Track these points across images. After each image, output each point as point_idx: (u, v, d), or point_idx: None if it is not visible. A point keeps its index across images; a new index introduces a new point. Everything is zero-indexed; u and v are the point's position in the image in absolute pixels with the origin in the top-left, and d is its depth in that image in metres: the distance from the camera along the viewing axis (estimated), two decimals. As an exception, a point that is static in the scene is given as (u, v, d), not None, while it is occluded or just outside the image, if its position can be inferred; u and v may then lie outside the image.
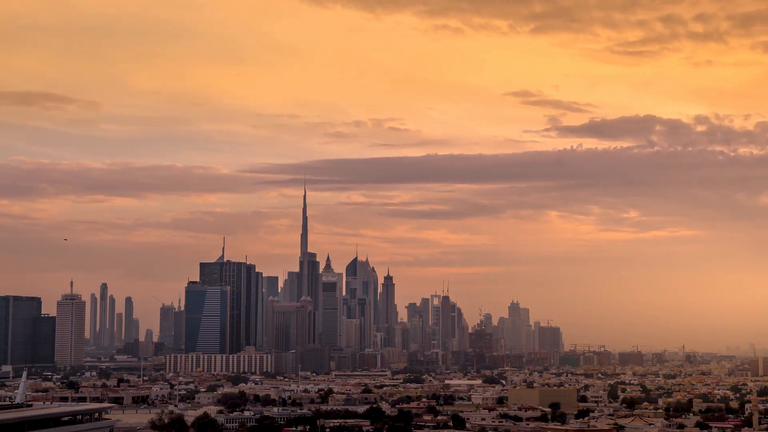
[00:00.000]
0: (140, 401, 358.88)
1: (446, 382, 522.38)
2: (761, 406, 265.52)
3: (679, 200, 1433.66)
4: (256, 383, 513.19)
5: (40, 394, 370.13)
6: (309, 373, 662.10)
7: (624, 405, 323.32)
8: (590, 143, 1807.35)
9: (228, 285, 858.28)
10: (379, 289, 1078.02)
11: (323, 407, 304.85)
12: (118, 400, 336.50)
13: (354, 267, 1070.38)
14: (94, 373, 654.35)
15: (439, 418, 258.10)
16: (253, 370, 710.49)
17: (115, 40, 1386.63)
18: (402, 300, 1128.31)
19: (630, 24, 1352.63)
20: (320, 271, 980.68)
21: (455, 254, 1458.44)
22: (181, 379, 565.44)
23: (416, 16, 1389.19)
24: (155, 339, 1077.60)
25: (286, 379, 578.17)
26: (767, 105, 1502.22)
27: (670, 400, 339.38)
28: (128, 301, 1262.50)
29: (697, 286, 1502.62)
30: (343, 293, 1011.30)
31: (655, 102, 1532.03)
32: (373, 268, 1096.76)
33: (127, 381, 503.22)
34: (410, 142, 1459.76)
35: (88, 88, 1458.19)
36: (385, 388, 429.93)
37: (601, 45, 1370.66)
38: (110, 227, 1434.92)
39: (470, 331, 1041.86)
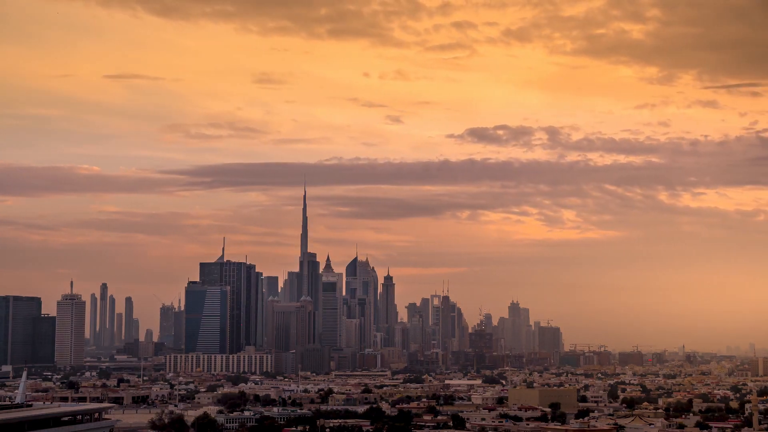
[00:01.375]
0: (140, 401, 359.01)
1: (446, 382, 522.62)
2: (761, 406, 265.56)
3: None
4: (256, 383, 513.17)
5: (40, 394, 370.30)
6: (309, 373, 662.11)
7: (624, 405, 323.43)
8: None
9: (228, 285, 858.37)
10: (379, 289, 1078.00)
11: (323, 407, 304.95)
12: (118, 400, 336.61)
13: (354, 267, 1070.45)
14: (94, 373, 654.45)
15: (439, 418, 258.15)
16: (253, 370, 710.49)
17: None
18: (401, 300, 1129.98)
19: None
20: (320, 271, 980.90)
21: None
22: (181, 379, 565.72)
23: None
24: (155, 339, 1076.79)
25: (286, 379, 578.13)
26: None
27: (670, 400, 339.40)
28: (128, 301, 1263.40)
29: (697, 286, 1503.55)
30: (343, 293, 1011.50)
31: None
32: (373, 268, 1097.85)
33: (127, 381, 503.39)
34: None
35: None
36: (385, 388, 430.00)
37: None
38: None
39: (470, 331, 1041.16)
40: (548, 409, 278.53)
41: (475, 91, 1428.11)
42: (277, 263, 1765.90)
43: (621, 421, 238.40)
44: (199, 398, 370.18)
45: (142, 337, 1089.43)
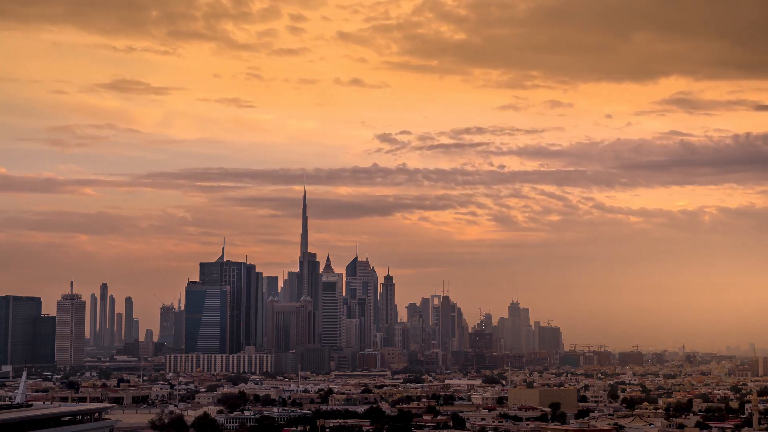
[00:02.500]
0: (140, 401, 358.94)
1: (446, 382, 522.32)
2: (761, 406, 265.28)
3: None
4: (256, 383, 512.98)
5: (40, 394, 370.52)
6: (309, 373, 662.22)
7: (624, 405, 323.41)
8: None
9: (228, 285, 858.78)
10: (379, 289, 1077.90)
11: (323, 407, 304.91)
12: (118, 400, 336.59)
13: (354, 267, 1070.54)
14: (94, 373, 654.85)
15: (439, 418, 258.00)
16: (253, 370, 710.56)
17: None
18: (402, 300, 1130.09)
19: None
20: (320, 271, 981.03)
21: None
22: (181, 379, 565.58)
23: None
24: (155, 339, 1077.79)
25: (286, 379, 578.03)
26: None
27: (670, 400, 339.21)
28: (128, 301, 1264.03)
29: (697, 286, 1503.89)
30: (343, 293, 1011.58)
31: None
32: (372, 268, 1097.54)
33: (127, 381, 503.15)
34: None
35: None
36: (385, 388, 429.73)
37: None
38: None
39: (470, 331, 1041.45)
40: (548, 409, 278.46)
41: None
42: (277, 263, 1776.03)
43: (621, 421, 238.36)
44: (199, 398, 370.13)
45: (142, 337, 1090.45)
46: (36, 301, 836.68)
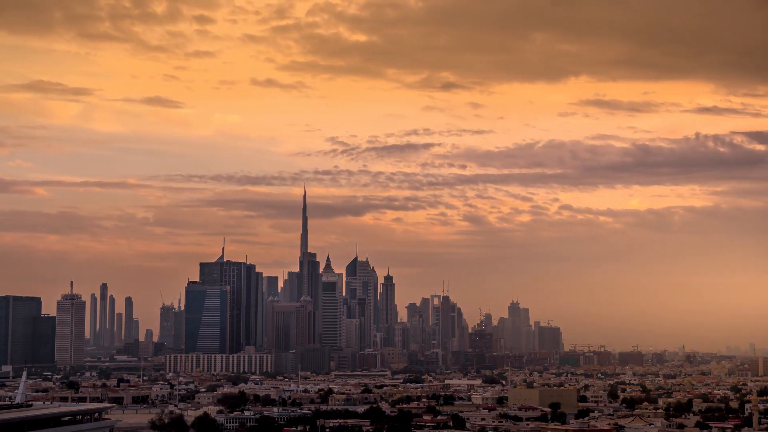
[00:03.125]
0: (140, 401, 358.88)
1: (446, 382, 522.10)
2: (761, 406, 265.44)
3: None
4: (256, 383, 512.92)
5: (40, 394, 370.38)
6: (309, 373, 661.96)
7: (624, 405, 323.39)
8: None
9: (228, 285, 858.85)
10: (379, 289, 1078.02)
11: (323, 407, 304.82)
12: (118, 400, 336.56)
13: (354, 267, 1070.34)
14: (94, 373, 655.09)
15: (439, 418, 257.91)
16: (253, 370, 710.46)
17: None
18: (402, 300, 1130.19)
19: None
20: (320, 271, 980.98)
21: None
22: (181, 379, 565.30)
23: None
24: (155, 339, 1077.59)
25: (286, 379, 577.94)
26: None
27: (670, 400, 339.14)
28: (128, 301, 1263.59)
29: (697, 286, 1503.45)
30: (343, 293, 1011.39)
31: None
32: (372, 268, 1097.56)
33: (127, 381, 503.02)
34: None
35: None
36: (385, 388, 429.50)
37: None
38: None
39: (470, 331, 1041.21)
40: (548, 409, 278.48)
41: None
42: (277, 263, 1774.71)
43: (621, 421, 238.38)
44: (199, 398, 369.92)
45: (142, 337, 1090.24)
46: (36, 301, 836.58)
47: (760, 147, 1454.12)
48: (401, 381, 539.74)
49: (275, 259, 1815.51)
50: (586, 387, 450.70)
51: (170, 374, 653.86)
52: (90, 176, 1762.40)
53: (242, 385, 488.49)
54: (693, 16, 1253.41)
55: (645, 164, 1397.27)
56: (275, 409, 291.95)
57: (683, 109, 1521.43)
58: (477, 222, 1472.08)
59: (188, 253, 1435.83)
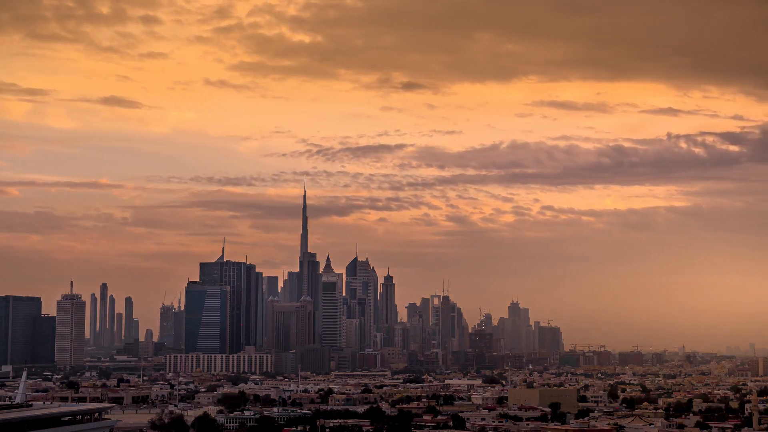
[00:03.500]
0: (140, 401, 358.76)
1: (446, 382, 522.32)
2: (761, 406, 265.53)
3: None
4: (256, 383, 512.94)
5: (40, 394, 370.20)
6: (309, 373, 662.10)
7: (624, 405, 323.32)
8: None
9: (228, 285, 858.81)
10: (379, 289, 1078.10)
11: (323, 407, 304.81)
12: (118, 400, 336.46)
13: (354, 267, 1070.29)
14: (94, 373, 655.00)
15: (439, 418, 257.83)
16: (253, 370, 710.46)
17: None
18: (402, 300, 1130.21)
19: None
20: (320, 271, 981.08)
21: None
22: (181, 379, 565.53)
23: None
24: (155, 339, 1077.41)
25: (286, 379, 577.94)
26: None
27: (670, 400, 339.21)
28: (128, 301, 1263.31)
29: (697, 286, 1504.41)
30: (343, 293, 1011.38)
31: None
32: (372, 268, 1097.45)
33: (127, 381, 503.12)
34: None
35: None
36: (385, 388, 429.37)
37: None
38: None
39: (470, 331, 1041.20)
40: (548, 409, 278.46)
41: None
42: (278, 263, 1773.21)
43: (621, 421, 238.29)
44: (199, 398, 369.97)
45: (142, 337, 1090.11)
46: (36, 301, 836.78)
47: (734, 148, 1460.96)
48: (401, 381, 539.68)
49: (264, 259, 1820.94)
50: (586, 387, 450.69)
51: (170, 374, 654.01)
52: (60, 176, 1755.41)
53: (242, 385, 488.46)
54: (640, 17, 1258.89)
55: (622, 165, 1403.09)
56: (275, 409, 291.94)
57: (640, 109, 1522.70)
58: (462, 222, 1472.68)
59: (173, 253, 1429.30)
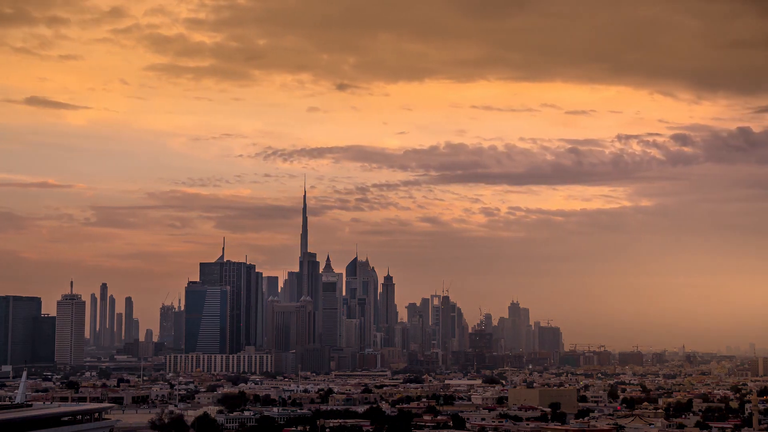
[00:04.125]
0: (140, 401, 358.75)
1: (446, 382, 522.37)
2: (761, 406, 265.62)
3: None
4: (256, 383, 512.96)
5: (40, 394, 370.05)
6: (309, 373, 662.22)
7: (624, 405, 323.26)
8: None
9: (228, 285, 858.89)
10: (379, 289, 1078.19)
11: (323, 407, 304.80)
12: (118, 400, 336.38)
13: (354, 267, 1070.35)
14: (94, 373, 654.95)
15: (439, 418, 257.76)
16: (253, 370, 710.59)
17: None
18: (402, 300, 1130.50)
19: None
20: (320, 271, 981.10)
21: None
22: (181, 379, 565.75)
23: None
24: (155, 339, 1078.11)
25: (286, 379, 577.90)
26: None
27: (670, 400, 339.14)
28: (128, 301, 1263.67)
29: (697, 286, 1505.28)
30: (343, 293, 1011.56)
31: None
32: (372, 268, 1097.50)
33: (127, 381, 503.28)
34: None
35: None
36: (385, 388, 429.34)
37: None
38: None
39: (470, 331, 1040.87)
40: (548, 409, 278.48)
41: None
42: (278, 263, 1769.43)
43: (621, 421, 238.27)
44: (199, 398, 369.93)
45: (142, 337, 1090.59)
46: (36, 301, 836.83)
47: (687, 149, 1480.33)
48: (401, 381, 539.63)
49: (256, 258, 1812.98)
50: (586, 387, 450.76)
51: (170, 374, 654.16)
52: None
53: (242, 385, 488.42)
54: (551, 17, 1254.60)
55: (581, 165, 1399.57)
56: (275, 409, 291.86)
57: (566, 111, 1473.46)
58: (434, 223, 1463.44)
59: (143, 253, 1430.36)
